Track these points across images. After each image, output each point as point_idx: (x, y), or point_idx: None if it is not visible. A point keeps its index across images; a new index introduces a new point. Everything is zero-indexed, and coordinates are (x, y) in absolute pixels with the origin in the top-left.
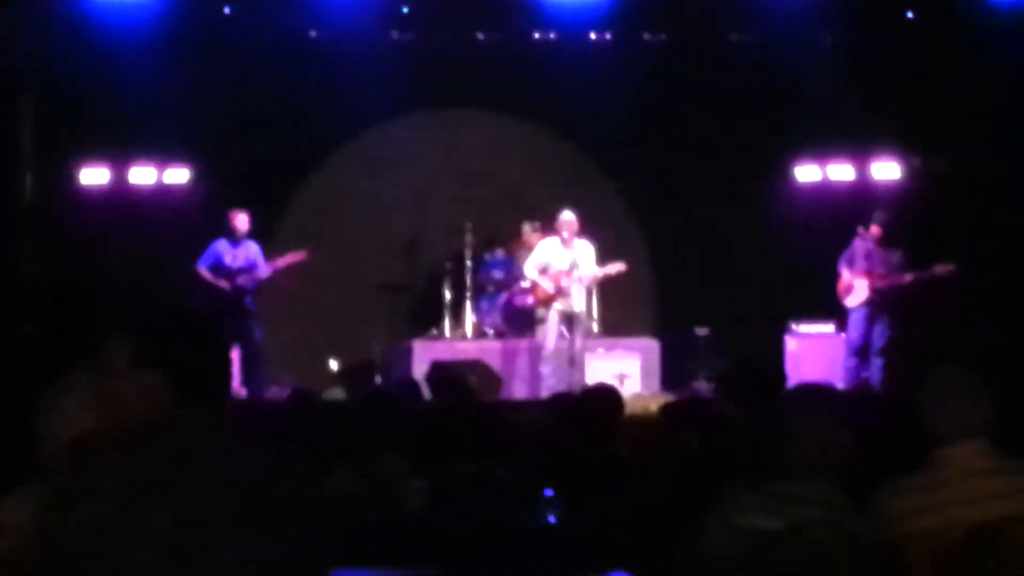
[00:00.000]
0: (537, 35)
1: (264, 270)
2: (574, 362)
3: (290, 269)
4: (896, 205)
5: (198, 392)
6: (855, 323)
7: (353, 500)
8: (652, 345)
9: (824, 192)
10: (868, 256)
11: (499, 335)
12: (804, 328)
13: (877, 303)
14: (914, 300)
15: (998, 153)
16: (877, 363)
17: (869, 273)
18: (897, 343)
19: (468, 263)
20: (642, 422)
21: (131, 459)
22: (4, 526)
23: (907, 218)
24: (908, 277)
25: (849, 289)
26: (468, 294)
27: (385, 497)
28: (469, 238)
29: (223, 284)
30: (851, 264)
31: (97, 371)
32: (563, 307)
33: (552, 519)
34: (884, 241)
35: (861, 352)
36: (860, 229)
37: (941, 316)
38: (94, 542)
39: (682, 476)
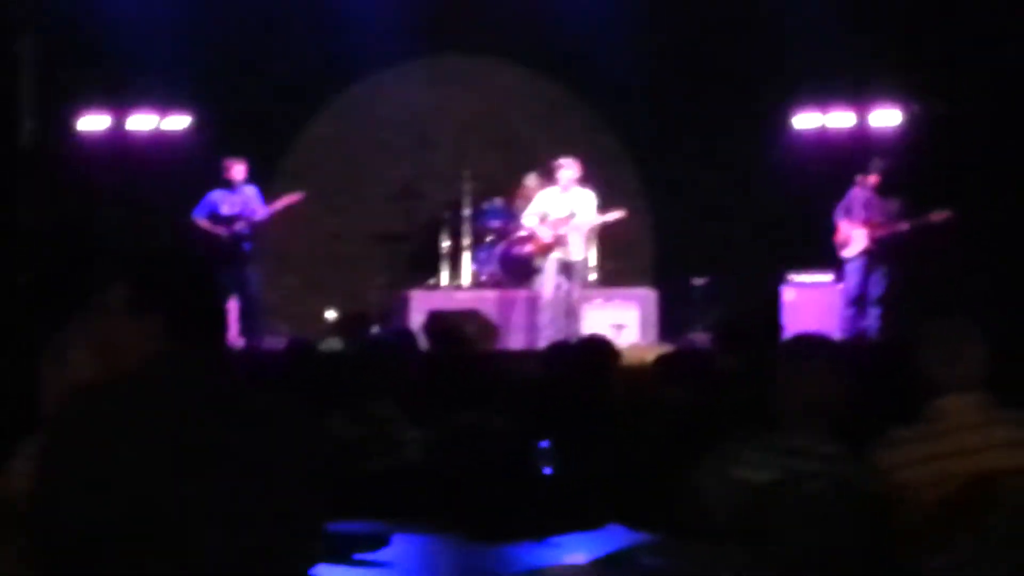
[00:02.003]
0: None
1: (261, 212)
2: (571, 312)
3: (288, 212)
4: (894, 153)
5: (196, 336)
6: (852, 272)
7: (350, 446)
8: (650, 295)
9: (823, 139)
10: (866, 205)
11: (496, 285)
12: (801, 278)
13: (875, 252)
14: (911, 249)
15: (998, 99)
16: (874, 312)
17: (867, 223)
18: (895, 292)
19: (466, 212)
20: (639, 373)
21: (130, 404)
22: (16, 474)
23: (905, 166)
24: (904, 225)
25: (848, 241)
26: (466, 243)
27: (382, 443)
28: (467, 187)
29: (221, 231)
30: (849, 214)
31: (95, 316)
32: (561, 256)
33: (548, 470)
34: (882, 189)
35: (858, 302)
36: (858, 178)
37: (938, 264)
38: (92, 488)
39: (677, 428)
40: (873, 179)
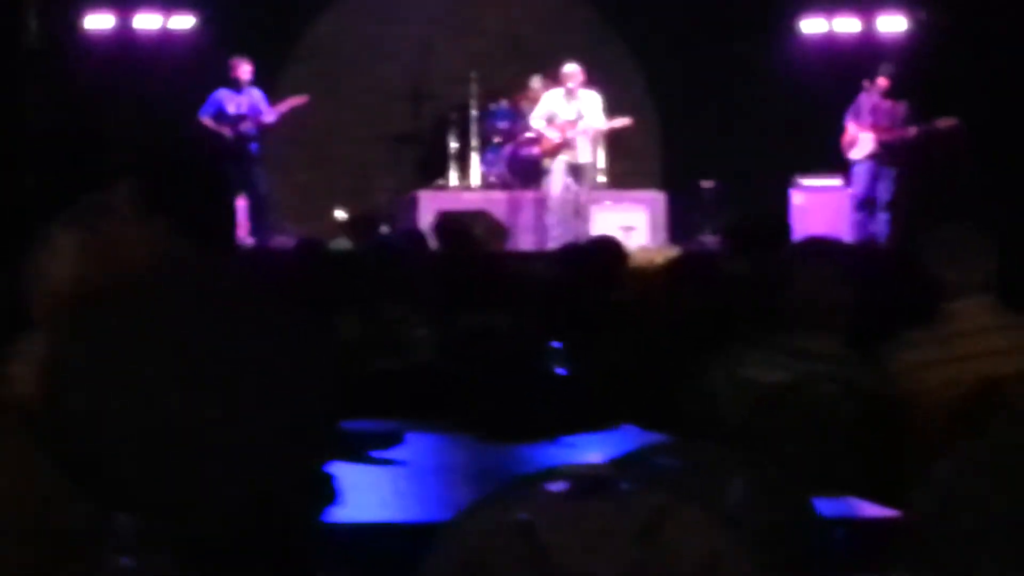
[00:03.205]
0: None
1: (267, 115)
2: (580, 213)
3: (293, 114)
4: (902, 58)
5: (204, 238)
6: (860, 176)
7: (360, 346)
8: (659, 197)
9: (830, 44)
10: (874, 109)
11: (505, 186)
12: (810, 182)
13: (882, 156)
14: (918, 153)
15: (1002, 7)
16: (883, 217)
17: (875, 126)
18: (903, 197)
19: (474, 113)
20: (648, 275)
21: (135, 308)
22: (17, 379)
23: (912, 72)
24: (912, 130)
25: (854, 142)
26: (474, 144)
27: (392, 343)
28: (474, 88)
29: (226, 131)
30: (857, 117)
31: (98, 217)
32: (569, 158)
33: (559, 371)
34: (890, 94)
35: (867, 206)
36: (866, 82)
37: (946, 170)
38: (98, 395)
39: (688, 329)
40: (882, 83)
